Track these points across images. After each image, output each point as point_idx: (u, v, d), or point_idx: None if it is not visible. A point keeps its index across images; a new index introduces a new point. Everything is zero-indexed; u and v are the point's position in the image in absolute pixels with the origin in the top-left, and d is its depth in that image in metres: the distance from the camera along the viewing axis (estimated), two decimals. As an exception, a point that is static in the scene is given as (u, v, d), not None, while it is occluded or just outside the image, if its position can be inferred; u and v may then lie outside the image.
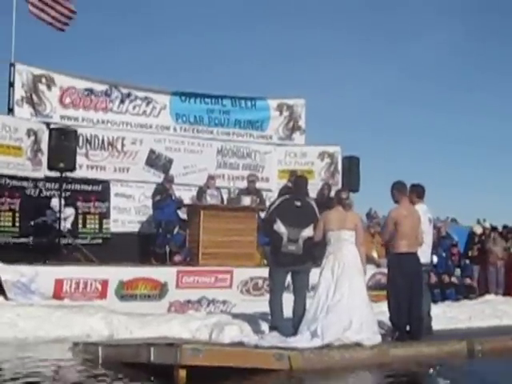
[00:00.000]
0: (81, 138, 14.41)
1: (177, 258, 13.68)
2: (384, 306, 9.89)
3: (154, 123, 15.76)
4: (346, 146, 17.39)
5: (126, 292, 12.19)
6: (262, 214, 12.97)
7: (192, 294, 12.73)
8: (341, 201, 9.61)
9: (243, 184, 15.28)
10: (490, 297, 14.74)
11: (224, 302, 12.98)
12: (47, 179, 13.96)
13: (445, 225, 16.88)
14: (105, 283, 12.01)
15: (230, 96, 16.70)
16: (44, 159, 13.64)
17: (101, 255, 13.46)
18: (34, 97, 14.37)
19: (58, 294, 11.57)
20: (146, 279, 12.40)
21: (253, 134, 16.81)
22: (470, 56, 37.73)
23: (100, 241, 14.65)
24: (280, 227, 9.39)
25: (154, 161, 15.45)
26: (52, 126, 13.96)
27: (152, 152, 15.43)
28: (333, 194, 11.37)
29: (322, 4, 36.53)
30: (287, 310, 9.53)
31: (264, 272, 10.62)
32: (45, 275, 11.56)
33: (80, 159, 13.97)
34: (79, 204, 14.52)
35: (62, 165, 13.09)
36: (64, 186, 13.68)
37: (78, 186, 14.46)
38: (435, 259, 14.00)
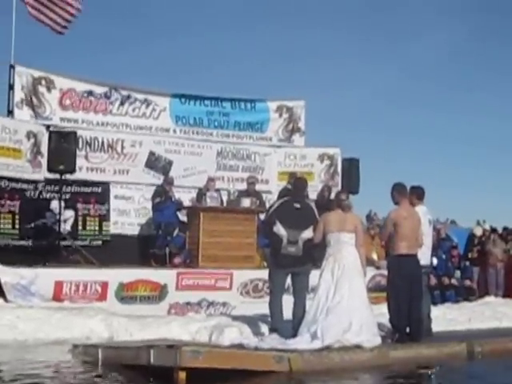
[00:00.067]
0: (80, 140, 14.40)
1: (176, 260, 13.67)
2: (384, 308, 9.89)
3: (154, 125, 15.75)
4: (346, 147, 17.42)
5: (125, 294, 12.19)
6: (262, 216, 12.98)
7: (192, 296, 12.73)
8: (340, 202, 9.62)
9: (243, 186, 15.28)
10: (489, 299, 14.76)
11: (224, 304, 12.97)
12: (47, 181, 13.96)
13: (444, 227, 16.90)
14: (105, 285, 12.01)
15: (229, 98, 16.70)
16: (44, 161, 13.64)
17: (101, 257, 13.46)
18: (34, 99, 14.36)
19: (57, 296, 11.57)
20: (146, 281, 12.40)
21: (252, 136, 16.81)
22: (470, 56, 37.73)
23: (100, 243, 14.64)
24: (280, 229, 9.40)
25: (154, 163, 15.45)
26: (52, 128, 13.97)
27: (152, 154, 15.43)
28: (333, 196, 11.37)
29: (322, 4, 36.52)
30: (287, 312, 9.53)
31: (264, 274, 10.63)
32: (45, 277, 11.56)
33: (80, 161, 13.97)
34: (79, 206, 14.51)
35: (61, 167, 13.09)
36: (64, 188, 13.69)
37: (77, 188, 14.45)
38: (435, 261, 13.98)
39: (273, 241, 9.62)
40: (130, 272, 12.50)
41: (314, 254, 9.69)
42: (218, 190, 14.72)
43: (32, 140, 13.89)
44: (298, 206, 9.62)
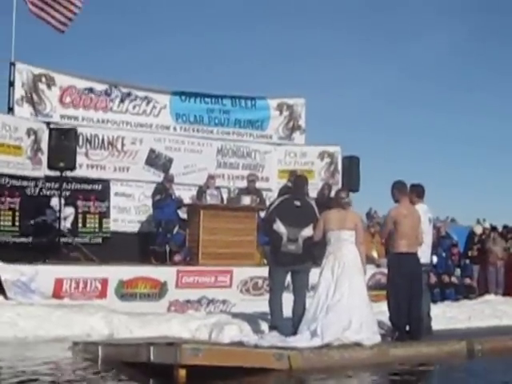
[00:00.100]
0: (81, 138, 14.40)
1: (177, 257, 13.67)
2: (384, 306, 9.89)
3: (154, 123, 15.75)
4: (346, 145, 17.41)
5: (125, 291, 12.19)
6: (262, 214, 12.98)
7: (192, 294, 12.73)
8: (339, 200, 9.61)
9: (243, 184, 15.28)
10: (489, 297, 14.75)
11: (224, 302, 12.98)
12: (47, 178, 13.96)
13: (444, 225, 16.89)
14: (105, 282, 12.01)
15: (229, 96, 16.69)
16: (44, 158, 13.64)
17: (101, 254, 13.46)
18: (34, 96, 14.36)
19: (57, 294, 11.57)
20: (146, 278, 12.40)
21: (253, 134, 16.80)
22: (470, 56, 37.76)
23: (100, 240, 14.65)
24: (280, 227, 9.40)
25: (154, 160, 15.44)
26: (52, 126, 13.98)
27: (152, 151, 15.43)
28: (333, 194, 11.37)
29: (322, 4, 36.56)
30: (287, 310, 9.53)
31: (264, 272, 10.63)
32: (45, 274, 11.56)
33: (80, 158, 13.97)
34: (79, 203, 14.52)
35: (61, 164, 13.09)
36: (64, 185, 13.68)
37: (77, 186, 14.46)
38: (435, 259, 14.00)
39: (273, 238, 9.62)
40: (130, 269, 12.51)
41: (314, 252, 9.69)
42: (218, 188, 14.73)
43: (32, 137, 13.88)
44: (298, 203, 9.62)
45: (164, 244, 13.77)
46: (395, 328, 9.65)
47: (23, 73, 14.24)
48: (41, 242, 13.40)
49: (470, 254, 16.88)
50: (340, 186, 15.45)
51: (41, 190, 13.95)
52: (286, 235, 9.35)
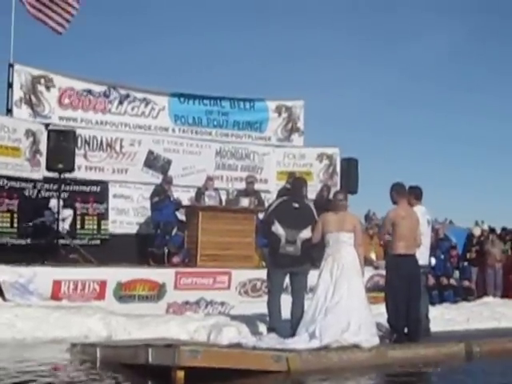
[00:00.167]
0: (79, 139, 14.39)
1: (175, 259, 13.66)
2: (382, 308, 9.90)
3: (153, 124, 15.75)
4: (345, 147, 17.42)
5: (124, 293, 12.19)
6: (261, 216, 12.97)
7: (190, 296, 12.73)
8: (337, 202, 9.61)
9: (242, 185, 15.27)
10: (488, 299, 14.76)
11: (222, 304, 12.98)
12: (46, 180, 13.95)
13: (443, 227, 16.91)
14: (103, 284, 12.01)
15: (228, 97, 16.70)
16: (42, 160, 13.64)
17: (99, 256, 13.45)
18: (33, 97, 14.36)
19: (56, 295, 11.57)
20: (145, 280, 12.40)
21: (251, 136, 16.81)
22: (470, 57, 37.73)
23: (98, 242, 14.63)
24: (278, 229, 9.40)
25: (153, 162, 15.44)
26: (50, 127, 13.97)
27: (151, 153, 15.42)
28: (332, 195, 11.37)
29: (321, 4, 36.50)
30: (285, 312, 9.53)
31: (262, 273, 10.64)
32: (43, 276, 11.56)
33: (78, 160, 13.97)
34: (78, 205, 14.49)
35: (60, 166, 13.10)
36: (62, 186, 13.68)
37: (76, 187, 14.44)
38: (433, 261, 13.99)
39: (271, 240, 9.62)
40: (129, 271, 12.50)
41: (313, 253, 9.70)
42: (216, 190, 14.72)
43: (31, 139, 13.87)
44: (296, 205, 9.62)
45: (162, 246, 13.76)
46: (393, 330, 9.65)
47: (22, 74, 14.23)
48: (39, 243, 13.39)
49: (468, 256, 16.89)
50: (338, 187, 15.45)
51: (39, 191, 13.94)
52: (284, 237, 9.36)
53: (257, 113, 16.90)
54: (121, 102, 15.42)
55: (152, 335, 9.89)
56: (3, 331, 9.73)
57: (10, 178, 13.43)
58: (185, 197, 14.66)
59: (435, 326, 10.81)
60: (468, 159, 38.26)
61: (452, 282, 15.78)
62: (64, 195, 13.90)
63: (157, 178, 14.98)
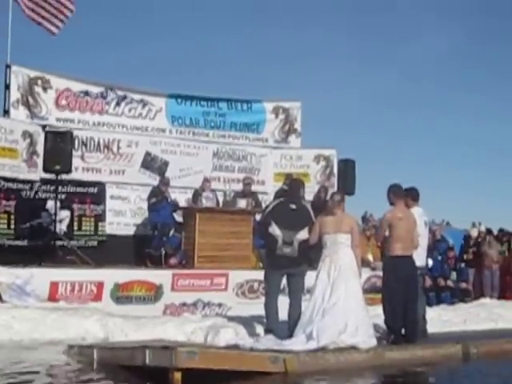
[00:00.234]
0: (76, 141, 14.37)
1: (172, 260, 13.66)
2: (379, 309, 9.89)
3: (150, 125, 15.75)
4: (342, 148, 17.45)
5: (121, 294, 12.18)
6: (258, 217, 12.98)
7: (187, 297, 12.72)
8: (333, 203, 9.62)
9: (239, 187, 15.28)
10: (485, 300, 14.76)
11: (219, 305, 12.97)
12: (43, 181, 13.93)
13: (440, 228, 16.93)
14: (100, 285, 12.00)
15: (225, 99, 16.70)
16: (40, 161, 13.63)
17: (96, 257, 13.43)
18: (30, 99, 14.36)
19: (53, 297, 11.56)
20: (142, 282, 12.40)
21: (249, 137, 16.82)
22: (470, 58, 37.78)
23: (95, 243, 14.62)
24: (275, 230, 9.41)
25: (150, 163, 15.44)
26: (48, 128, 13.96)
27: (148, 154, 15.42)
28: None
29: (319, 6, 36.58)
30: (283, 313, 9.53)
31: (259, 275, 10.63)
32: (40, 277, 11.54)
33: (76, 161, 13.94)
34: (75, 206, 14.49)
35: (57, 167, 13.08)
36: (59, 188, 13.66)
37: (73, 189, 14.43)
38: (430, 262, 14.00)
39: (268, 241, 9.63)
40: (126, 272, 12.50)
41: (310, 255, 9.71)
42: (213, 191, 14.72)
43: (28, 140, 13.87)
44: (293, 206, 9.63)
45: (160, 247, 13.75)
46: (391, 331, 9.65)
47: (19, 75, 14.23)
48: (36, 244, 13.38)
49: (465, 257, 16.91)
50: (335, 189, 15.46)
51: (36, 192, 13.93)
52: (281, 238, 9.36)
53: (254, 114, 16.90)
54: (118, 104, 15.42)
55: (149, 337, 9.89)
56: (0, 333, 9.72)
57: (6, 180, 13.42)
58: (182, 198, 14.65)
59: (432, 328, 10.82)
60: (465, 161, 38.36)
61: (449, 283, 15.79)
62: (61, 196, 13.89)
63: (154, 180, 14.97)
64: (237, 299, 13.13)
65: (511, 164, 38.43)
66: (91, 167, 14.81)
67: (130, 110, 15.53)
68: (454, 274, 16.36)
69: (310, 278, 9.57)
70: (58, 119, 14.67)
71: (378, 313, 9.90)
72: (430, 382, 8.94)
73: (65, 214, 14.18)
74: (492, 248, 16.79)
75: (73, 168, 13.53)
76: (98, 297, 11.96)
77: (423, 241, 10.33)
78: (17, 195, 13.58)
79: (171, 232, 14.00)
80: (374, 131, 38.66)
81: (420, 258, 10.17)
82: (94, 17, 30.99)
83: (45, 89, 14.57)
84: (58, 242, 13.48)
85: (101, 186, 14.85)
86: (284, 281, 9.70)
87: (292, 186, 10.30)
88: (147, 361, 7.72)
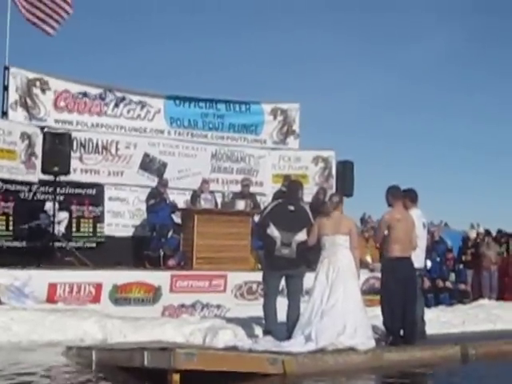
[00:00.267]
0: (75, 142, 14.38)
1: (171, 262, 13.66)
2: (378, 311, 9.89)
3: (149, 127, 15.76)
4: (341, 150, 17.43)
5: (119, 296, 12.18)
6: (256, 218, 12.99)
7: (186, 298, 12.72)
8: (331, 204, 9.62)
9: (237, 188, 15.29)
10: (483, 301, 14.77)
11: (218, 306, 12.97)
12: (41, 183, 13.94)
13: (438, 229, 16.91)
14: (98, 287, 12.00)
15: (224, 100, 16.71)
16: (38, 163, 13.62)
17: (94, 259, 13.45)
18: (28, 100, 14.36)
19: (51, 298, 11.55)
20: (140, 283, 12.39)
21: (247, 138, 16.82)
22: (469, 59, 37.67)
23: (94, 244, 14.62)
24: (273, 231, 9.41)
25: (148, 165, 15.44)
26: (46, 130, 13.95)
27: (146, 156, 15.42)
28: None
29: (317, 7, 36.50)
30: (281, 314, 9.53)
31: (258, 276, 10.63)
32: (38, 279, 11.54)
33: (74, 163, 13.95)
34: (73, 208, 14.49)
35: (56, 168, 13.08)
36: (58, 189, 13.67)
37: (72, 190, 14.44)
38: (429, 264, 14.01)
39: (266, 243, 9.63)
40: (124, 274, 12.49)
41: (309, 256, 9.70)
42: (212, 192, 14.72)
43: (26, 141, 13.86)
44: (291, 208, 9.62)
45: (158, 248, 13.75)
46: (389, 332, 9.65)
47: (17, 77, 14.24)
48: (35, 246, 13.37)
49: (464, 258, 16.92)
50: (334, 190, 15.46)
51: (35, 194, 13.93)
52: (279, 239, 9.36)
53: (252, 115, 16.91)
54: (116, 105, 15.43)
55: (148, 338, 9.89)
56: (-1, 334, 9.73)
57: (5, 181, 13.42)
58: (180, 200, 14.65)
59: (431, 329, 10.82)
60: (463, 162, 38.29)
61: (448, 284, 15.80)
62: (59, 198, 13.90)
63: (152, 181, 14.97)
64: (235, 300, 13.12)
65: (509, 165, 38.36)
66: (89, 169, 14.81)
67: (128, 112, 15.54)
68: (452, 276, 16.37)
69: (308, 279, 9.57)
70: (56, 121, 14.67)
71: (376, 314, 9.90)
72: (429, 383, 8.93)
73: (63, 216, 14.19)
74: (490, 249, 16.80)
75: (71, 169, 13.54)
76: (96, 298, 11.95)
77: (422, 242, 10.33)
78: (15, 197, 13.58)
79: (170, 233, 14.00)
80: (373, 133, 38.64)
81: (418, 259, 10.17)
82: (93, 19, 30.96)
83: (43, 90, 14.57)
84: (57, 244, 13.50)
85: (99, 187, 14.86)
86: (282, 282, 9.69)
87: (290, 187, 10.31)
88: (146, 362, 7.72)
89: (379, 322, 9.80)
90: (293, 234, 9.41)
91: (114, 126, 15.35)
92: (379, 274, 10.58)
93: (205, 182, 14.67)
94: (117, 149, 15.11)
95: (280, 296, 9.72)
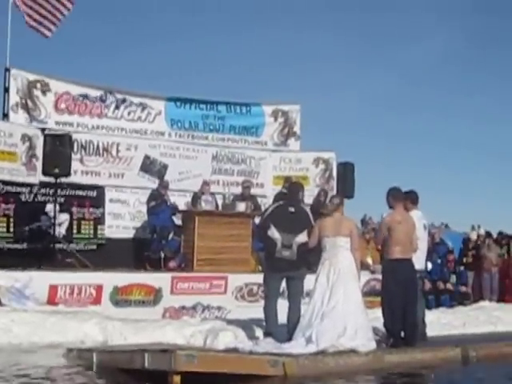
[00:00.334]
0: (76, 144, 14.39)
1: (171, 263, 13.66)
2: (379, 313, 9.88)
3: (149, 129, 15.76)
4: (341, 151, 17.45)
5: (120, 298, 12.17)
6: (257, 220, 12.98)
7: (187, 300, 12.71)
8: (331, 206, 9.62)
9: (238, 190, 15.28)
10: (484, 303, 14.76)
11: (219, 308, 12.96)
12: (42, 185, 13.94)
13: (439, 231, 16.90)
14: (99, 289, 11.99)
15: (225, 102, 16.71)
16: (39, 165, 13.63)
17: (95, 261, 13.45)
18: (29, 102, 14.36)
19: (52, 300, 11.55)
20: (141, 285, 12.39)
21: (248, 140, 16.83)
22: (469, 60, 37.74)
23: (94, 246, 14.62)
24: (274, 233, 9.40)
25: (149, 166, 15.44)
26: (47, 132, 13.96)
27: (147, 158, 15.42)
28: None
29: (318, 8, 36.54)
30: (282, 316, 9.52)
31: (259, 278, 10.63)
32: (39, 281, 11.54)
33: (75, 165, 13.95)
34: (74, 209, 14.50)
35: (56, 170, 13.09)
36: (59, 191, 13.67)
37: (72, 192, 14.43)
38: (429, 266, 14.00)
39: (267, 245, 9.63)
40: (125, 276, 12.49)
41: (309, 258, 9.70)
42: (213, 194, 14.72)
43: (27, 143, 13.86)
44: (292, 210, 9.62)
45: (159, 250, 13.75)
46: (390, 334, 9.64)
47: (18, 79, 14.24)
48: (35, 248, 13.37)
49: (464, 260, 16.90)
50: (335, 192, 15.46)
51: (35, 196, 13.93)
52: (280, 241, 9.36)
53: (253, 117, 16.91)
54: (117, 107, 15.43)
55: (148, 340, 9.89)
56: (-1, 336, 9.73)
57: (6, 183, 13.43)
58: (181, 201, 14.64)
59: (431, 331, 10.81)
60: (464, 164, 38.34)
61: (448, 286, 15.77)
62: (60, 200, 13.90)
63: (153, 183, 14.97)
64: (236, 302, 13.12)
65: (510, 167, 38.37)
66: (90, 170, 14.82)
67: (129, 114, 15.54)
68: (453, 277, 16.34)
69: (309, 281, 9.57)
70: (57, 122, 14.68)
71: (377, 316, 9.89)
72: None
73: (64, 218, 14.19)
74: (491, 251, 16.79)
75: (72, 171, 13.54)
76: (97, 300, 11.95)
77: (422, 244, 10.32)
78: (16, 198, 13.58)
79: (170, 235, 14.01)
80: (374, 134, 38.66)
81: (419, 261, 10.16)
82: (94, 20, 31.01)
83: (44, 92, 14.58)
84: (57, 246, 13.50)
85: (100, 189, 14.86)
86: (283, 284, 9.69)
87: (291, 189, 10.31)
88: (146, 364, 7.72)
89: (380, 323, 9.80)
90: (293, 235, 9.40)
91: (115, 128, 15.36)
92: (380, 276, 10.58)
93: (205, 183, 14.67)
94: (117, 151, 15.11)
95: (281, 298, 9.71)
